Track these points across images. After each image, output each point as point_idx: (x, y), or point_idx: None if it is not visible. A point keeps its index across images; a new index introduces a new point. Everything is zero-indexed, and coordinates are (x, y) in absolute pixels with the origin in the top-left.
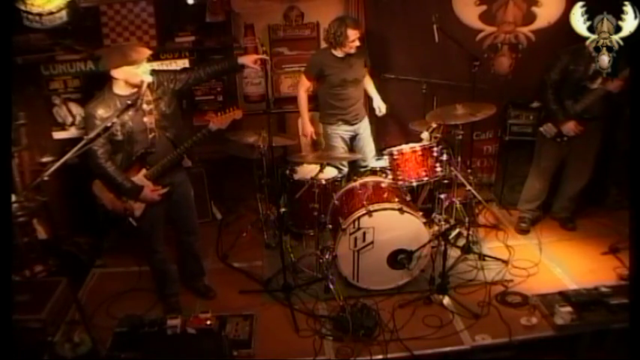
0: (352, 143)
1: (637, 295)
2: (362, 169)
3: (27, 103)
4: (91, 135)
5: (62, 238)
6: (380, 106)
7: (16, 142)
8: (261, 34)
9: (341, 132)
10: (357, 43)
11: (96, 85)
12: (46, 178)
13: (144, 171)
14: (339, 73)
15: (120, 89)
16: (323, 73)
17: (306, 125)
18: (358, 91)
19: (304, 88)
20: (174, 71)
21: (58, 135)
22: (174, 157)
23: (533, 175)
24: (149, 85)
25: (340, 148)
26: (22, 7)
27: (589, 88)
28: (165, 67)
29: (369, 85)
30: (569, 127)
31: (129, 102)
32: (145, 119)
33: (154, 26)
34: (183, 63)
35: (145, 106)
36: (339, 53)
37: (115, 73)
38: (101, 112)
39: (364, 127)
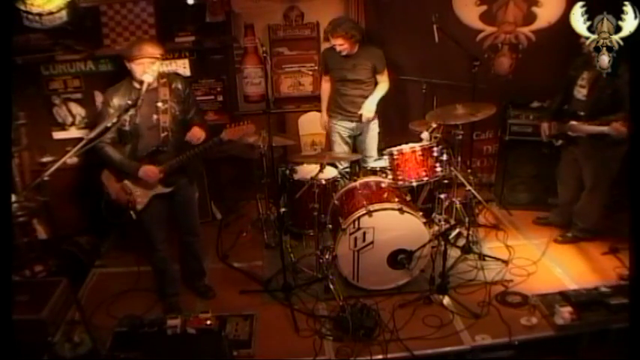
0: (354, 143)
1: (637, 295)
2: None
3: (27, 103)
4: (91, 135)
5: (62, 238)
6: (363, 111)
7: (16, 142)
8: (261, 34)
9: (340, 128)
10: (343, 48)
11: (96, 85)
12: (46, 178)
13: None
14: (339, 70)
15: (135, 81)
16: (327, 68)
17: (323, 115)
18: (360, 91)
19: (324, 80)
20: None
21: (58, 135)
22: (182, 159)
23: (557, 180)
24: (170, 84)
25: (338, 144)
26: (22, 7)
27: (575, 97)
28: (165, 67)
29: (377, 90)
30: (576, 127)
31: (129, 102)
32: (156, 117)
33: (153, 26)
34: (183, 63)
35: (159, 104)
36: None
37: (126, 61)
38: (116, 100)
39: (367, 130)
